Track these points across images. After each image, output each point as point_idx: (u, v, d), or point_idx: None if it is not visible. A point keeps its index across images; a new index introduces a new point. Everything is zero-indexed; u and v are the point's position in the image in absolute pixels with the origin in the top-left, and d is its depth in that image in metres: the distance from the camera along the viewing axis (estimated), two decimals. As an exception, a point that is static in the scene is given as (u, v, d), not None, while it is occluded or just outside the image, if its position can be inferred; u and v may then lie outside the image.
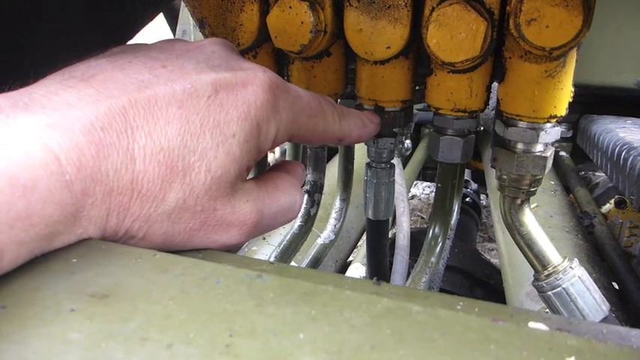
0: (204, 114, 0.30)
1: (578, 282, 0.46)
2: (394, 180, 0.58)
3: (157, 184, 0.28)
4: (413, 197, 2.79)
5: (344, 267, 0.99)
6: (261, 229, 0.34)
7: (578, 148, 1.32)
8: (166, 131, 0.28)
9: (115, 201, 0.27)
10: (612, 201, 1.14)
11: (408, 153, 1.05)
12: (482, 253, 1.60)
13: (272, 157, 1.43)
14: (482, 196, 1.86)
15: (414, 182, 1.82)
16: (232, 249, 0.33)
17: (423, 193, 2.86)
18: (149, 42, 0.37)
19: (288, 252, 0.65)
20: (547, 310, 0.50)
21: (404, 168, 1.16)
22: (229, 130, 0.31)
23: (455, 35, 0.40)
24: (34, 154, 0.24)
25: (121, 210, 0.27)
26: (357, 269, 0.89)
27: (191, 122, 0.29)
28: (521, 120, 0.44)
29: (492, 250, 2.26)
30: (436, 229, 0.59)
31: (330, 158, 1.08)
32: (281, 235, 0.82)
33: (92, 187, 0.26)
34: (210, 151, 0.30)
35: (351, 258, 1.03)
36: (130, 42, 0.66)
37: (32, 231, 0.23)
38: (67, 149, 0.25)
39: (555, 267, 0.46)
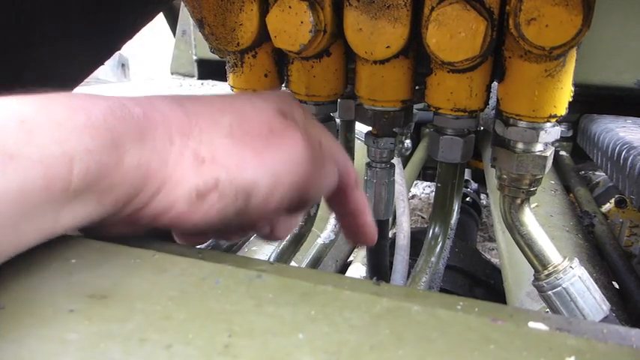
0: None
1: (579, 281, 0.46)
2: (394, 180, 0.58)
3: (209, 115, 0.31)
4: (413, 197, 2.79)
5: (344, 267, 0.98)
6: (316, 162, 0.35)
7: (578, 148, 1.31)
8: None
9: (176, 125, 0.29)
10: (612, 200, 1.14)
11: (408, 153, 1.05)
12: (483, 252, 1.60)
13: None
14: (483, 196, 1.86)
15: (415, 182, 1.82)
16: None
17: (423, 193, 2.86)
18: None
19: (288, 252, 0.65)
20: (547, 309, 0.50)
21: (404, 168, 1.16)
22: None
23: (454, 35, 0.40)
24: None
25: (184, 133, 0.29)
26: (358, 269, 0.89)
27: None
28: (521, 119, 0.44)
29: (492, 249, 2.25)
30: (436, 229, 0.59)
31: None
32: (281, 235, 0.81)
33: (151, 114, 0.28)
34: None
35: (351, 258, 1.03)
36: (130, 42, 0.66)
37: (99, 140, 0.25)
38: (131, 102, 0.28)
39: (555, 266, 0.46)
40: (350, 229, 0.42)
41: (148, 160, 0.27)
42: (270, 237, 0.39)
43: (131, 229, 0.30)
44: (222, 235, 0.37)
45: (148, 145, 0.27)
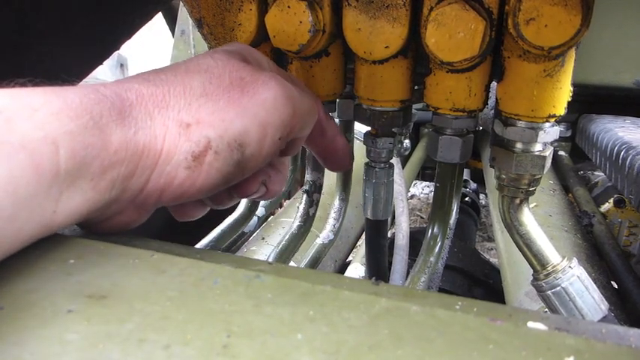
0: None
1: (577, 281, 0.46)
2: (393, 180, 0.58)
3: (179, 81, 0.30)
4: (412, 197, 2.79)
5: (343, 267, 0.98)
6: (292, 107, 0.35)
7: (577, 148, 1.31)
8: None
9: (151, 100, 0.29)
10: (611, 200, 1.14)
11: (407, 153, 1.05)
12: (482, 252, 1.59)
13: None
14: (482, 196, 1.86)
15: (413, 182, 1.82)
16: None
17: (422, 193, 2.86)
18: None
19: (286, 252, 0.65)
20: (546, 309, 0.50)
21: (403, 168, 1.16)
22: None
23: (453, 35, 0.40)
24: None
25: (161, 106, 0.29)
26: (357, 269, 0.89)
27: None
28: (520, 119, 0.44)
29: (491, 249, 2.25)
30: (435, 229, 0.59)
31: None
32: (280, 235, 0.82)
33: (124, 94, 0.28)
34: None
35: (350, 258, 1.03)
36: (129, 42, 0.66)
37: (78, 122, 0.25)
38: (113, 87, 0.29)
39: (554, 266, 0.46)
40: (330, 156, 0.45)
41: (134, 138, 0.27)
42: (267, 195, 0.39)
43: (142, 213, 0.30)
44: (217, 200, 0.37)
45: (130, 125, 0.27)
